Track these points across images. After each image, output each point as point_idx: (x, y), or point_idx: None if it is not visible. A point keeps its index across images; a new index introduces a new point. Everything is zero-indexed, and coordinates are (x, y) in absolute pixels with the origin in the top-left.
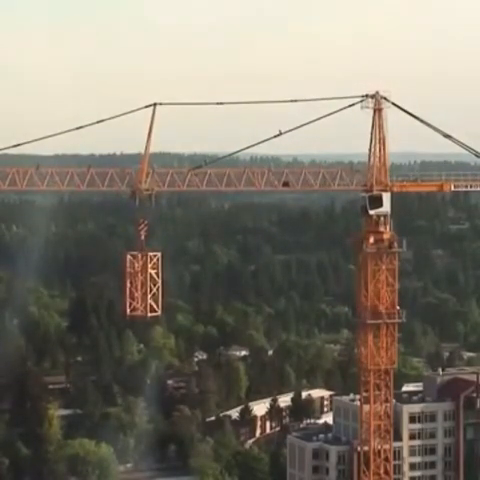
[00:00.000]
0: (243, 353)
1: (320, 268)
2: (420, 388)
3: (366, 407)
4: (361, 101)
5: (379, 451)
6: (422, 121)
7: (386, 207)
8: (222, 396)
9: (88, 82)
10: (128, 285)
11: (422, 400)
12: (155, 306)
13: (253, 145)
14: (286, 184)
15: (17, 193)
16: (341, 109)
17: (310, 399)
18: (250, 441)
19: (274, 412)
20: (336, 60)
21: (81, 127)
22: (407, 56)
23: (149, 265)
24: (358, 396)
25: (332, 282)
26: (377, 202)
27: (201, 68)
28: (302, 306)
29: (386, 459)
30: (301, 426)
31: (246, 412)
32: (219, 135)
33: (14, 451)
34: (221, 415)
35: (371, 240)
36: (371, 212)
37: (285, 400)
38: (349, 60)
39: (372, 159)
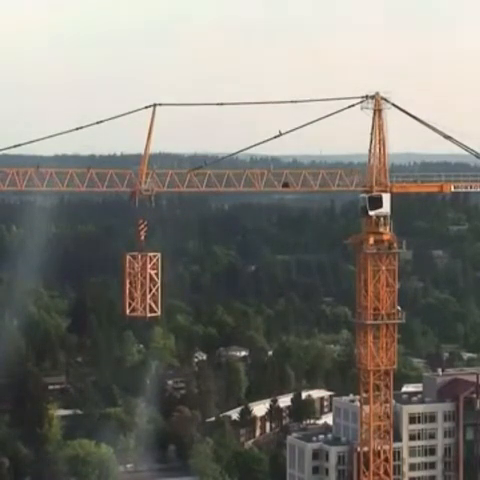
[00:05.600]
0: (243, 353)
1: (320, 268)
2: (420, 389)
3: (366, 408)
4: (361, 102)
5: (379, 452)
6: (422, 122)
7: (386, 208)
8: (222, 397)
9: (88, 82)
10: (128, 285)
11: (422, 401)
12: (154, 306)
13: (253, 146)
14: (286, 185)
15: (17, 193)
16: (341, 110)
17: (310, 400)
18: (250, 442)
19: (274, 413)
20: (336, 60)
21: (81, 128)
22: (407, 56)
23: (149, 265)
24: (358, 397)
25: (332, 282)
26: (377, 203)
27: (201, 68)
28: (302, 306)
29: (386, 460)
30: (301, 427)
31: (246, 413)
32: (219, 135)
33: (14, 451)
34: (221, 415)
35: (371, 241)
36: (371, 213)
37: (285, 401)
38: (349, 61)
39: (372, 160)
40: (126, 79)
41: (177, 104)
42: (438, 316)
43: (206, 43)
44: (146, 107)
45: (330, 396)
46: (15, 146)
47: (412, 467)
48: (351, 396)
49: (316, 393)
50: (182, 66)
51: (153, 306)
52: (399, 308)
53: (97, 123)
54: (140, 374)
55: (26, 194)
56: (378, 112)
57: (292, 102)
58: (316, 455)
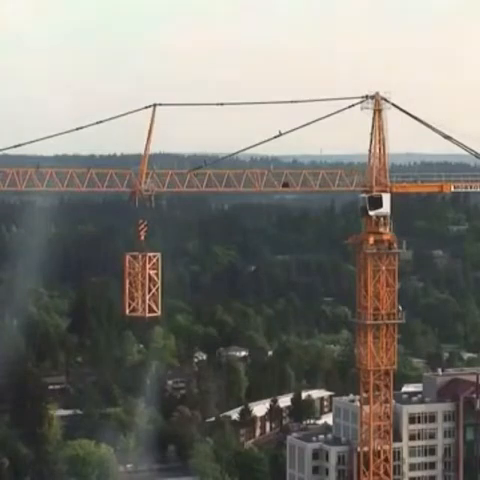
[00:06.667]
0: (243, 354)
1: (320, 268)
2: (420, 389)
3: (366, 408)
4: (361, 102)
5: (379, 452)
6: (422, 122)
7: (386, 208)
8: (222, 397)
9: (88, 82)
10: (128, 285)
11: (422, 401)
12: (154, 306)
13: (253, 146)
14: (286, 185)
15: (17, 193)
16: (341, 110)
17: (310, 400)
18: (250, 442)
19: (274, 413)
20: (336, 61)
21: (81, 128)
22: (407, 56)
23: (148, 265)
24: (358, 397)
25: (332, 282)
26: (377, 203)
27: (201, 68)
28: (302, 306)
29: (386, 460)
30: (301, 427)
31: (246, 413)
32: (219, 136)
33: (14, 451)
34: (221, 416)
35: (371, 241)
36: (371, 213)
37: (285, 401)
38: (349, 61)
39: (372, 160)
40: (126, 79)
41: (177, 104)
42: (438, 316)
43: (206, 42)
44: (146, 107)
45: (330, 396)
46: (15, 146)
47: (412, 467)
48: (351, 396)
49: (316, 393)
50: (182, 66)
51: (153, 306)
52: (400, 308)
53: (97, 123)
54: (140, 374)
55: (26, 194)
56: (378, 112)
57: (292, 102)
58: (316, 455)
